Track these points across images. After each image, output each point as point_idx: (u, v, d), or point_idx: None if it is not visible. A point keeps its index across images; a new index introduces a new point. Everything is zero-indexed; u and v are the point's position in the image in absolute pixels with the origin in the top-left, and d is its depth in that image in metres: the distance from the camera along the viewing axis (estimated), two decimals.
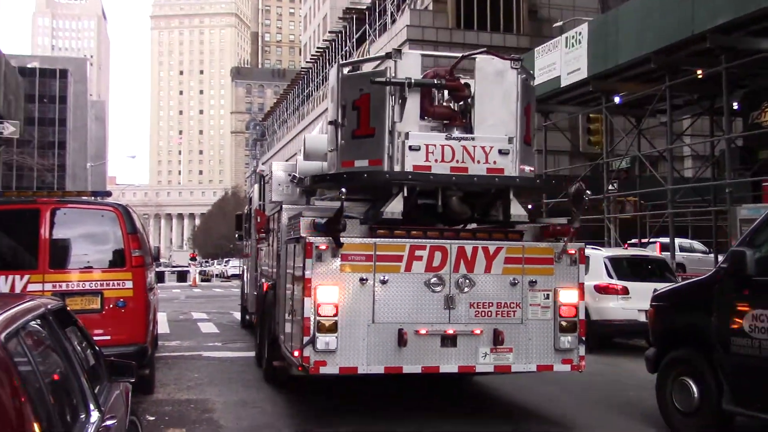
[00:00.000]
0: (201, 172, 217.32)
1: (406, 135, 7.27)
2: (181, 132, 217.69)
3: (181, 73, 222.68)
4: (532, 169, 8.12)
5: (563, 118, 28.88)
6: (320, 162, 9.07)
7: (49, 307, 3.62)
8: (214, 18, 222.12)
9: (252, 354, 12.23)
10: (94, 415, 3.48)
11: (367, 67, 8.82)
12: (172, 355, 12.60)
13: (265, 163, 75.99)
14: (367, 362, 7.15)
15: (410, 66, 7.46)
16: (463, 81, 7.88)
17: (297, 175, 9.92)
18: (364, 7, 49.40)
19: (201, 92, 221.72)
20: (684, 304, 7.65)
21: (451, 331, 7.30)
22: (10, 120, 23.00)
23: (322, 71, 60.70)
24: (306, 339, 6.98)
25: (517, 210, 7.65)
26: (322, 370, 7.04)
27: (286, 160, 19.52)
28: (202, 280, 51.59)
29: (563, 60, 23.00)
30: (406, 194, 7.32)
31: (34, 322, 3.25)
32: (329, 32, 61.97)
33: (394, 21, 40.97)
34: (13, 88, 25.55)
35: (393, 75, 7.33)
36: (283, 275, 8.63)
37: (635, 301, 12.71)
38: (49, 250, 8.31)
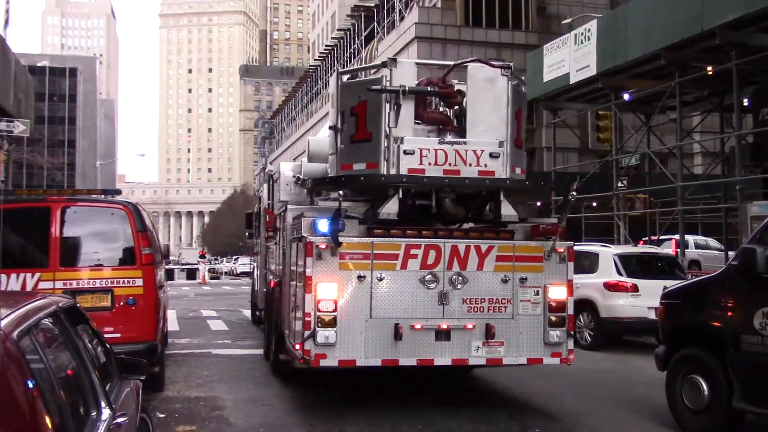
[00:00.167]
0: (210, 170, 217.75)
1: (401, 140, 7.64)
2: (190, 130, 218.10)
3: (190, 71, 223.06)
4: (524, 170, 8.40)
5: (572, 115, 28.80)
6: (324, 164, 9.27)
7: (60, 305, 3.64)
8: (223, 16, 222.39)
9: (261, 351, 12.29)
10: (106, 413, 3.50)
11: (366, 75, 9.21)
12: (181, 353, 12.65)
13: (274, 161, 76.03)
14: (365, 355, 7.49)
15: (405, 74, 7.86)
16: (458, 87, 8.22)
17: (301, 176, 10.27)
18: (373, 4, 49.34)
19: (210, 90, 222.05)
20: (694, 301, 7.62)
21: (444, 326, 7.66)
22: (20, 119, 23.08)
23: (331, 69, 60.66)
24: (307, 333, 7.35)
25: (507, 210, 8.05)
26: (323, 362, 7.40)
27: (294, 159, 19.61)
28: (212, 278, 51.72)
29: (572, 57, 22.94)
30: (401, 196, 7.73)
31: (45, 320, 3.27)
32: (337, 30, 61.95)
33: (402, 18, 40.93)
34: (24, 87, 25.65)
35: (388, 83, 7.70)
36: (288, 272, 8.92)
37: (645, 299, 12.68)
38: (60, 248, 8.35)
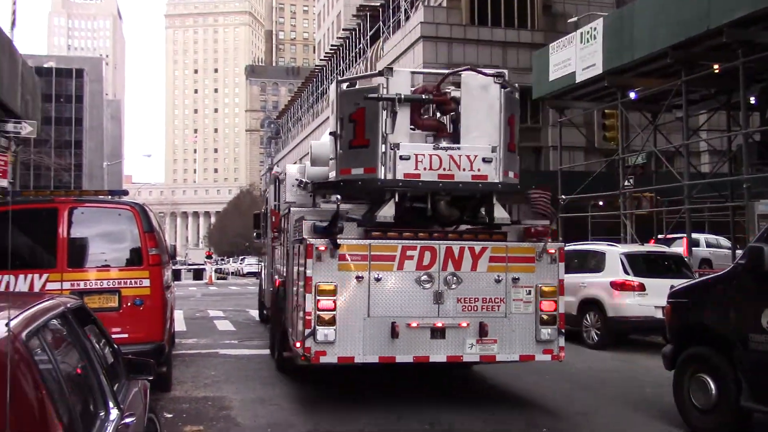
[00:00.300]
0: (216, 171, 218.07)
1: (397, 145, 7.91)
2: (196, 130, 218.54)
3: (196, 71, 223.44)
4: (516, 174, 8.61)
5: (578, 114, 28.73)
6: (326, 167, 9.44)
7: (68, 305, 3.65)
8: (229, 16, 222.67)
9: (268, 351, 12.32)
10: (114, 413, 3.52)
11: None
12: (189, 353, 12.67)
13: (280, 161, 76.08)
14: (363, 352, 7.80)
15: (401, 83, 8.14)
16: (453, 94, 8.44)
17: (304, 179, 10.56)
18: (378, 4, 49.33)
19: (216, 91, 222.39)
20: (701, 300, 7.61)
21: (439, 324, 7.95)
22: (27, 120, 23.14)
23: (337, 69, 60.70)
24: (307, 331, 7.67)
25: (500, 213, 8.36)
26: (322, 359, 7.71)
27: (300, 159, 19.82)
28: (218, 278, 51.80)
29: (578, 55, 22.90)
30: (397, 199, 8.06)
31: (54, 321, 3.28)
32: (343, 30, 61.98)
33: (408, 18, 40.90)
34: (31, 88, 25.72)
35: (385, 91, 7.98)
36: (290, 272, 9.15)
37: (652, 298, 12.65)
38: (67, 249, 8.37)
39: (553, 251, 8.26)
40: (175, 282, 21.86)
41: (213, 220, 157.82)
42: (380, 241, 7.95)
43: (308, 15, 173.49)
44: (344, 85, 8.62)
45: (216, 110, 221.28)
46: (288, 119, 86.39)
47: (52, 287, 8.08)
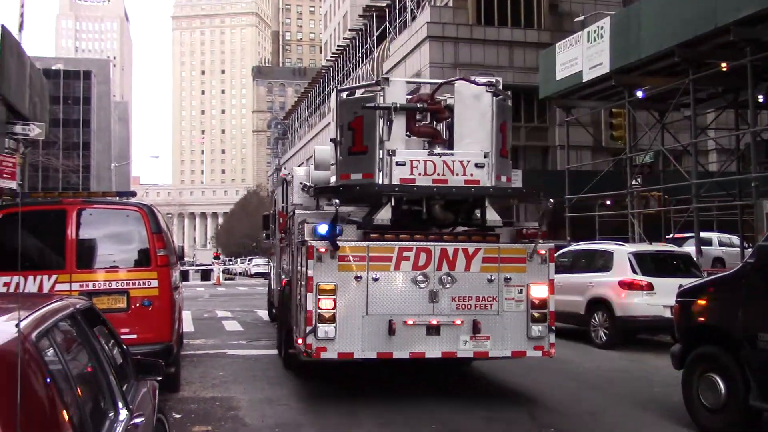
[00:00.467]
0: (223, 171, 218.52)
1: (393, 152, 8.29)
2: (203, 132, 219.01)
3: (203, 73, 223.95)
4: (509, 178, 8.99)
5: (585, 113, 28.69)
6: (328, 171, 9.78)
7: (77, 306, 3.67)
8: (235, 18, 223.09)
9: (276, 351, 12.35)
10: (123, 413, 3.53)
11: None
12: (197, 354, 12.71)
13: (287, 162, 76.06)
14: (361, 349, 8.17)
15: (397, 92, 8.52)
16: (449, 101, 8.75)
17: (307, 183, 10.90)
18: (384, 4, 49.34)
19: (222, 92, 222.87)
20: (710, 299, 7.58)
21: (435, 322, 8.30)
22: (36, 122, 23.24)
23: (343, 69, 60.74)
24: (309, 328, 8.05)
25: (492, 215, 8.68)
26: (323, 355, 8.07)
27: (307, 160, 19.99)
28: (226, 279, 51.89)
29: (585, 55, 22.86)
30: (394, 203, 8.43)
31: (63, 322, 3.30)
32: (349, 30, 62.01)
33: (414, 18, 40.89)
34: (39, 90, 25.82)
35: (382, 99, 8.36)
36: (295, 272, 9.47)
37: (660, 297, 12.61)
38: (76, 250, 8.40)
39: (543, 252, 8.57)
40: (183, 283, 21.93)
41: (220, 220, 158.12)
42: (378, 242, 8.31)
43: (314, 16, 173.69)
44: (344, 94, 9.03)
45: (223, 111, 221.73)
46: (295, 120, 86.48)
47: (61, 288, 8.11)
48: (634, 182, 22.81)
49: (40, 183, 65.79)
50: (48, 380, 2.61)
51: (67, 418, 2.63)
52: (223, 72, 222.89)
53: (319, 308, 8.04)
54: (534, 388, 9.64)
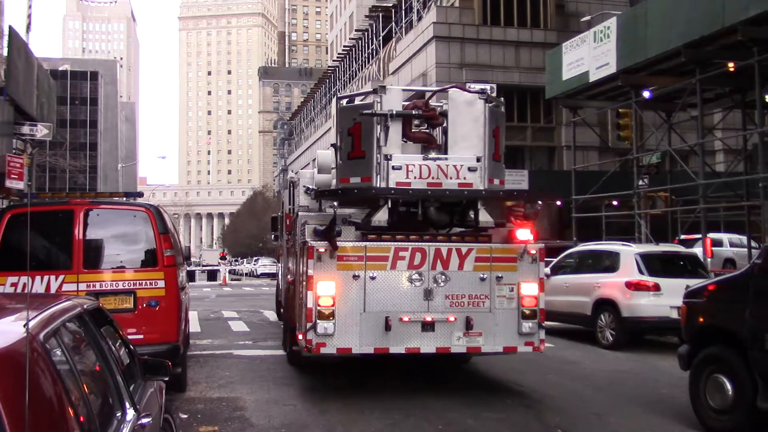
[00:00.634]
0: (230, 172, 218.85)
1: (390, 156, 8.61)
2: (209, 132, 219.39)
3: (209, 73, 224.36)
4: (502, 181, 9.27)
5: (592, 114, 28.64)
6: (330, 175, 9.99)
7: (85, 306, 3.68)
8: (241, 18, 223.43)
9: (282, 351, 12.38)
10: (130, 413, 3.54)
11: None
12: (203, 354, 12.73)
13: (293, 162, 76.03)
14: (359, 344, 8.53)
15: (393, 99, 8.81)
16: (445, 107, 9.08)
17: (310, 186, 11.27)
18: (391, 4, 49.35)
19: (229, 92, 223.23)
20: (717, 300, 7.56)
21: (429, 319, 8.67)
22: (43, 122, 23.32)
23: (349, 70, 60.77)
24: (309, 325, 8.44)
25: (484, 217, 9.03)
26: (323, 350, 8.46)
27: (312, 161, 20.21)
28: (232, 279, 51.94)
29: (592, 55, 22.82)
30: (390, 206, 8.76)
31: (71, 322, 3.31)
32: (356, 30, 62.02)
33: (420, 18, 40.89)
34: (46, 91, 25.89)
35: (379, 107, 8.68)
36: (298, 272, 9.74)
37: (667, 298, 12.58)
38: (83, 251, 8.43)
39: (533, 252, 8.92)
40: (190, 283, 21.99)
41: (227, 221, 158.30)
42: (375, 243, 8.70)
43: (321, 16, 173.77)
44: (343, 102, 9.44)
45: (229, 112, 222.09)
46: (301, 120, 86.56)
47: (68, 288, 8.14)
48: (640, 183, 22.74)
49: (48, 183, 66.04)
50: (55, 380, 2.62)
51: (74, 417, 2.64)
52: (229, 72, 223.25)
53: (319, 305, 8.40)
54: (540, 389, 9.62)
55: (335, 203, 8.83)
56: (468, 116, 8.84)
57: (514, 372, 10.78)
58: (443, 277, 8.69)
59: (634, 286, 13.18)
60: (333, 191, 9.38)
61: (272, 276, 52.52)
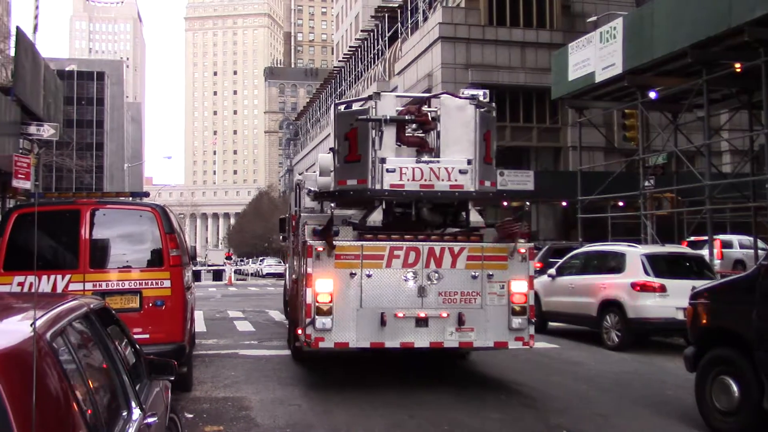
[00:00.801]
0: (235, 172, 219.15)
1: (384, 160, 9.00)
2: (215, 132, 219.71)
3: (215, 73, 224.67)
4: (494, 183, 9.62)
5: (598, 114, 28.59)
6: (330, 177, 10.30)
7: (91, 306, 3.69)
8: (247, 19, 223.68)
9: (288, 352, 12.40)
10: (136, 413, 3.55)
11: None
12: (209, 354, 12.75)
13: (299, 163, 76.07)
14: (356, 339, 8.91)
15: (387, 105, 9.22)
16: (439, 113, 9.38)
17: (312, 188, 11.61)
18: (396, 5, 49.37)
19: (235, 93, 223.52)
20: (724, 301, 7.54)
21: (423, 315, 8.99)
22: (50, 122, 23.39)
23: (355, 70, 60.80)
24: (308, 320, 8.80)
25: (475, 217, 9.43)
26: (321, 344, 8.83)
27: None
28: (238, 279, 52.02)
29: (598, 55, 22.78)
30: (385, 207, 9.19)
31: (78, 322, 3.32)
32: (361, 31, 62.07)
33: (426, 19, 40.90)
34: (53, 91, 25.97)
35: (374, 112, 9.09)
36: (299, 270, 10.08)
37: (673, 299, 12.54)
38: (89, 250, 8.45)
39: (523, 251, 9.25)
40: (195, 283, 22.02)
41: (232, 221, 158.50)
42: (371, 242, 9.05)
43: (326, 16, 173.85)
44: (341, 108, 9.86)
45: (235, 112, 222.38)
46: (306, 120, 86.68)
47: (75, 288, 8.16)
48: (646, 183, 22.69)
49: (54, 183, 66.20)
50: (62, 379, 2.63)
51: (81, 417, 2.65)
52: (235, 73, 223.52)
53: (317, 302, 8.77)
54: (545, 390, 9.61)
55: (332, 205, 9.21)
56: (459, 121, 9.21)
57: (519, 372, 10.77)
58: (436, 275, 9.02)
59: (640, 287, 13.15)
60: (330, 193, 9.78)
61: (277, 276, 52.58)
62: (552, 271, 15.88)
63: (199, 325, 16.30)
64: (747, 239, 23.34)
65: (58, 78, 29.83)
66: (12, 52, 26.26)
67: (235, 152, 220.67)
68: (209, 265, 69.38)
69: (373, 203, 9.27)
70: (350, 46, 65.60)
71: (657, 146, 25.09)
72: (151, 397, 4.10)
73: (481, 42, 36.16)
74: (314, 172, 12.22)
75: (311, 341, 8.82)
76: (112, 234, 8.85)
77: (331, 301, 8.80)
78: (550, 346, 13.80)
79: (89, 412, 2.80)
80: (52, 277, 8.26)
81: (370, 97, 9.38)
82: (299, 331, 9.12)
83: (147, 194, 10.42)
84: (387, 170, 8.97)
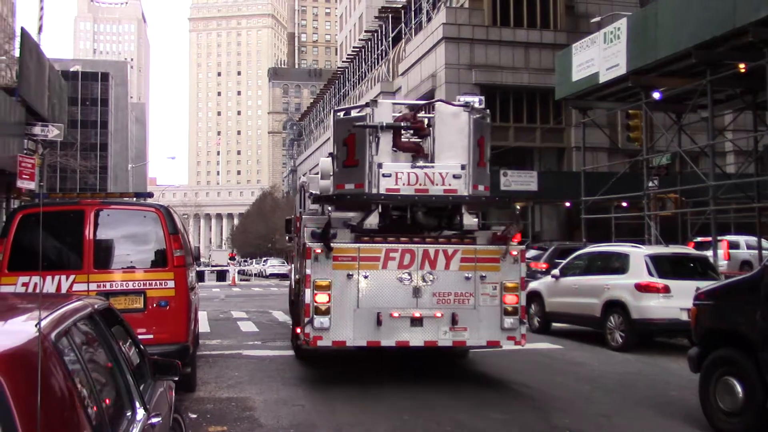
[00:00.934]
0: (239, 173, 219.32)
1: (381, 165, 9.29)
2: (219, 133, 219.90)
3: (219, 74, 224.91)
4: (487, 187, 9.96)
5: (602, 115, 28.56)
6: (329, 181, 10.59)
7: (96, 306, 3.70)
8: (251, 19, 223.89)
9: (291, 353, 12.42)
10: (140, 413, 3.56)
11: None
12: (212, 354, 12.77)
13: (302, 163, 76.13)
14: (353, 337, 9.17)
15: (383, 112, 9.49)
16: (433, 119, 9.65)
17: (313, 191, 11.88)
18: (400, 5, 49.38)
19: (239, 93, 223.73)
20: (728, 302, 7.53)
21: (417, 315, 9.26)
22: (54, 123, 23.44)
23: (359, 71, 60.82)
24: (307, 320, 9.09)
25: (468, 220, 9.67)
26: (319, 343, 9.11)
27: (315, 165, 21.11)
28: (241, 280, 52.04)
29: (602, 56, 22.76)
30: (381, 210, 9.48)
31: (82, 322, 3.33)
32: (365, 31, 62.07)
33: (430, 19, 40.90)
34: (58, 92, 26.02)
35: (371, 119, 9.34)
36: (300, 271, 10.31)
37: (677, 300, 12.52)
38: (94, 251, 8.46)
39: (515, 253, 9.48)
40: (199, 283, 22.04)
41: (236, 221, 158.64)
42: (367, 244, 9.29)
43: (330, 17, 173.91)
44: (340, 114, 10.22)
45: (239, 112, 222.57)
46: (310, 121, 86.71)
47: (79, 288, 8.18)
48: (650, 184, 22.66)
49: (58, 184, 66.30)
50: (67, 379, 2.64)
51: (85, 417, 2.66)
52: (239, 73, 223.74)
53: (316, 302, 9.04)
54: (549, 390, 9.61)
55: (329, 208, 9.57)
56: (453, 127, 9.50)
57: (522, 373, 10.77)
58: (431, 276, 9.28)
59: (643, 288, 13.13)
60: (328, 197, 10.14)
61: (281, 276, 52.61)
62: (556, 271, 15.87)
63: (203, 326, 16.33)
64: (754, 240, 23.28)
65: (62, 78, 29.89)
66: (17, 53, 26.30)
67: (238, 153, 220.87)
68: (213, 266, 69.35)
69: (370, 207, 9.54)
70: (354, 47, 65.63)
71: (661, 147, 25.06)
72: (155, 397, 4.11)
73: (485, 42, 36.15)
74: (317, 174, 12.29)
75: (310, 340, 9.09)
76: (116, 234, 8.86)
77: (329, 301, 9.05)
78: (554, 346, 13.79)
79: (93, 412, 2.81)
80: (57, 277, 8.28)
81: (367, 104, 9.66)
82: (298, 330, 9.37)
83: (151, 195, 10.43)
84: (383, 175, 9.27)
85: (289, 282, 20.44)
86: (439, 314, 9.28)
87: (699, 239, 21.06)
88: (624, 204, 26.97)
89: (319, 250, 9.10)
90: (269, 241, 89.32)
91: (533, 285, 16.97)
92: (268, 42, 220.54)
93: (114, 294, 8.29)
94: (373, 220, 9.43)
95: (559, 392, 9.53)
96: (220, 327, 17.34)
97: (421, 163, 9.45)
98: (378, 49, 54.20)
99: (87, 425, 2.64)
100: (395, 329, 9.23)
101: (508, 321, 9.38)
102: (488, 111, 10.03)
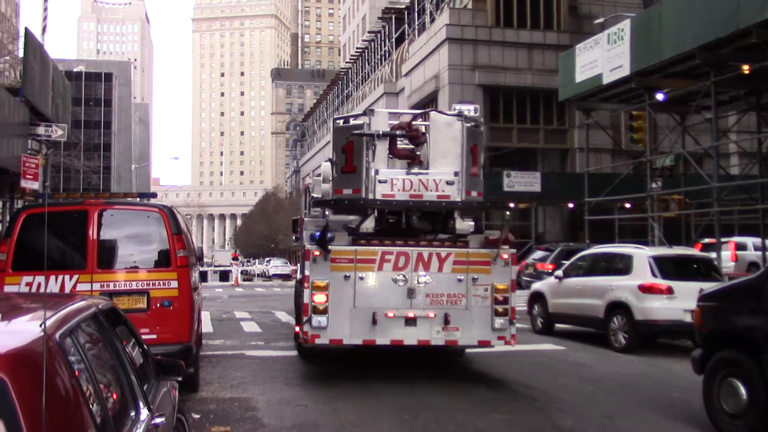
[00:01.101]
0: (242, 173, 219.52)
1: (377, 171, 9.65)
2: (222, 133, 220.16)
3: (222, 75, 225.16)
4: (480, 193, 10.26)
5: (605, 116, 28.53)
6: (329, 185, 10.93)
7: (100, 306, 3.71)
8: (254, 20, 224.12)
9: (294, 353, 12.43)
10: (144, 413, 3.56)
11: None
12: (215, 354, 12.77)
13: (305, 164, 76.17)
14: (350, 336, 9.51)
15: (380, 121, 9.87)
16: (428, 128, 10.04)
17: (315, 194, 12.15)
18: (404, 6, 49.39)
19: (242, 94, 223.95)
20: (732, 304, 7.52)
21: (411, 315, 9.58)
22: (58, 123, 23.49)
23: (362, 71, 60.82)
24: (305, 318, 9.46)
25: (461, 225, 10.11)
26: (317, 341, 9.47)
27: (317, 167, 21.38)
28: (244, 280, 52.07)
29: (605, 57, 22.74)
30: (377, 214, 9.94)
31: (86, 322, 3.34)
32: (368, 32, 62.10)
33: (433, 20, 40.91)
34: (61, 92, 26.07)
35: (368, 127, 9.71)
36: (302, 272, 10.66)
37: (680, 301, 12.49)
38: (97, 251, 8.47)
39: (506, 256, 9.80)
40: (202, 283, 22.04)
41: (239, 222, 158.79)
42: (363, 247, 9.65)
43: (333, 18, 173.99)
44: (339, 122, 10.72)
45: (242, 113, 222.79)
46: (313, 122, 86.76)
47: (82, 288, 8.18)
48: (654, 185, 22.64)
49: (62, 184, 66.40)
50: (71, 379, 2.64)
51: (89, 416, 2.67)
52: (242, 74, 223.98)
53: (314, 302, 9.38)
54: (551, 391, 9.60)
55: (327, 212, 10.06)
56: (447, 135, 9.82)
57: (525, 374, 10.76)
58: (424, 278, 9.61)
59: (647, 289, 13.11)
60: (327, 201, 10.52)
61: (284, 277, 52.64)
62: (559, 272, 15.85)
63: (206, 326, 16.33)
64: (759, 241, 23.28)
65: (66, 79, 29.94)
66: (21, 54, 26.38)
67: (242, 153, 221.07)
68: (216, 266, 69.36)
69: (367, 211, 9.94)
70: (357, 48, 65.66)
71: (664, 148, 25.03)
72: (159, 397, 4.11)
73: (488, 43, 36.14)
74: (319, 176, 12.38)
75: (308, 338, 9.44)
76: (119, 235, 8.87)
77: (326, 301, 9.38)
78: (557, 347, 13.78)
79: (98, 411, 2.81)
80: (60, 277, 8.28)
81: (364, 113, 10.06)
82: (297, 329, 9.77)
83: (154, 195, 10.48)
84: (379, 181, 9.61)
85: (295, 282, 20.60)
86: (432, 314, 9.58)
87: (706, 240, 21.01)
88: (627, 205, 26.95)
89: (317, 253, 9.43)
90: (272, 241, 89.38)
91: (536, 286, 16.97)
92: (271, 43, 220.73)
93: (117, 294, 8.30)
94: (369, 224, 9.84)
95: (562, 393, 9.52)
96: (223, 327, 17.35)
97: (415, 170, 9.79)
98: (381, 50, 54.22)
99: (91, 425, 2.64)
100: (390, 328, 9.54)
101: (499, 321, 9.69)
102: (482, 119, 10.35)
